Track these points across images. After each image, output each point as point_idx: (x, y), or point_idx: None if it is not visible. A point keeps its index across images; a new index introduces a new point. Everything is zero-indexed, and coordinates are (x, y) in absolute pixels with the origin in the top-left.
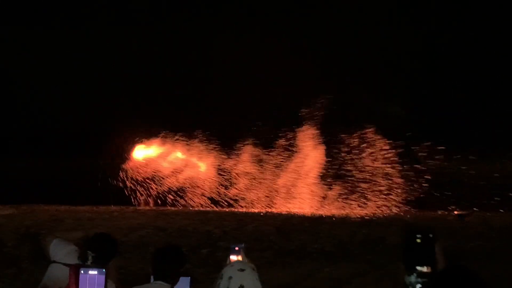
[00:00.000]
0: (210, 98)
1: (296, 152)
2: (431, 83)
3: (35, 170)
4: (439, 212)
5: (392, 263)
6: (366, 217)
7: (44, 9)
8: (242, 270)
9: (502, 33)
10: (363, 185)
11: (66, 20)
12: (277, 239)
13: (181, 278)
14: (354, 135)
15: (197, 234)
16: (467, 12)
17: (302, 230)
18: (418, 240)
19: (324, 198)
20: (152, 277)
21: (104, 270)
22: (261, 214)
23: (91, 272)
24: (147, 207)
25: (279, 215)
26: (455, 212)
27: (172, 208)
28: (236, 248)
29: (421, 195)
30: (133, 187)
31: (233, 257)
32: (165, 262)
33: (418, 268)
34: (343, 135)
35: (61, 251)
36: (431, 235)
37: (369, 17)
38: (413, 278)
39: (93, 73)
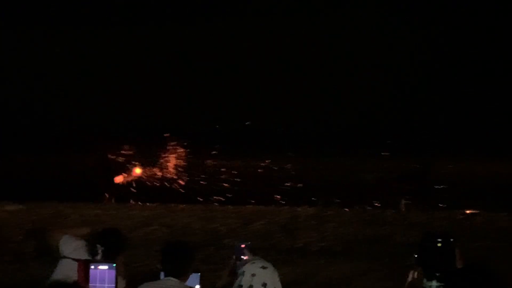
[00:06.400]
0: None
1: None
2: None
3: (42, 167)
4: (445, 212)
5: (399, 261)
6: (372, 216)
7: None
8: (264, 268)
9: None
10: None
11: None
12: (283, 237)
13: (191, 274)
14: None
15: (203, 232)
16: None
17: (308, 228)
18: (439, 244)
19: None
20: (162, 273)
21: (114, 265)
22: (267, 211)
23: (101, 267)
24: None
25: (285, 213)
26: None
27: (178, 205)
28: (242, 246)
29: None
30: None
31: (240, 256)
32: (177, 258)
33: (439, 273)
34: None
35: (70, 246)
36: (452, 239)
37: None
38: (434, 283)
39: (96, 72)
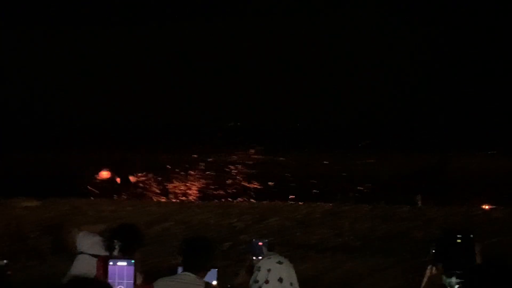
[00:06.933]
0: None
1: None
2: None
3: (58, 163)
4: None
5: (416, 258)
6: (388, 212)
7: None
8: (280, 263)
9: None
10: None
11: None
12: (299, 233)
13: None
14: None
15: (219, 227)
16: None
17: (324, 224)
18: (459, 240)
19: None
20: (180, 268)
21: (133, 261)
22: (283, 207)
23: (120, 263)
24: (164, 200)
25: (301, 208)
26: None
27: (194, 201)
28: (260, 243)
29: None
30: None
31: (256, 253)
32: (197, 253)
33: (459, 270)
34: None
35: (87, 242)
36: (471, 235)
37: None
38: (453, 280)
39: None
